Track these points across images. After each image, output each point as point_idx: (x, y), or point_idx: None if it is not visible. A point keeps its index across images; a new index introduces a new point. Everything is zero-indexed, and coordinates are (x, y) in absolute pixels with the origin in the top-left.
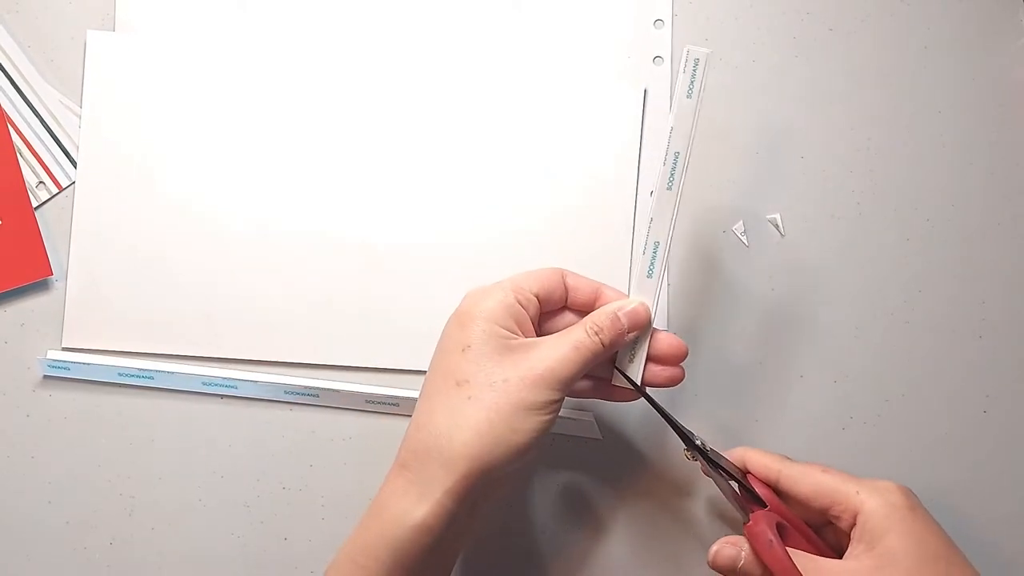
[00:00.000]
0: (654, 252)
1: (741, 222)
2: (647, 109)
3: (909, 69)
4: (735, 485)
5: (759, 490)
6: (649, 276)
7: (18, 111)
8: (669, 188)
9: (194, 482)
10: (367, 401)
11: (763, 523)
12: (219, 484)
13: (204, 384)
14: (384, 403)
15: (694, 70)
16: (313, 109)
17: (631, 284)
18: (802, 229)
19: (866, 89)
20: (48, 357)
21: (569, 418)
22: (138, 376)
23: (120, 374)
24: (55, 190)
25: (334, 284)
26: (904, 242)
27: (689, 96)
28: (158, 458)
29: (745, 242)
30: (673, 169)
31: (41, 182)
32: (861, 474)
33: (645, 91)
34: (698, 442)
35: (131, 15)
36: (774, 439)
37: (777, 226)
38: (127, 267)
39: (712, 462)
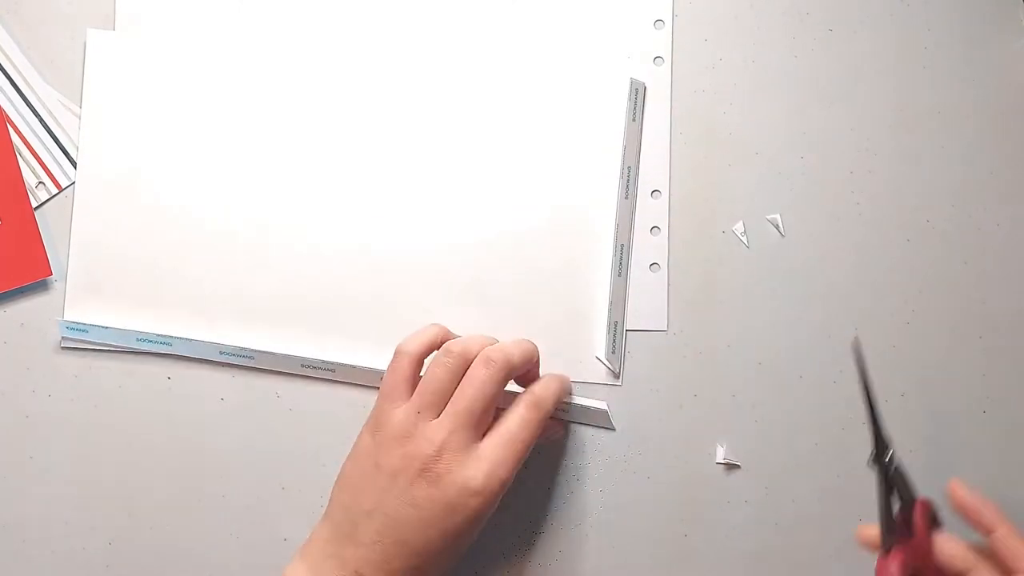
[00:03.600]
0: (620, 254)
1: (741, 222)
2: (647, 108)
3: (909, 69)
4: (897, 506)
5: (919, 522)
6: (619, 275)
7: (18, 111)
8: (626, 198)
9: (194, 482)
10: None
11: (896, 564)
12: (219, 484)
13: (221, 353)
14: None
15: (635, 97)
16: (310, 107)
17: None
18: (802, 229)
19: (866, 89)
20: (66, 319)
21: (583, 406)
22: (156, 342)
23: (139, 339)
24: (55, 190)
25: (334, 283)
26: (904, 242)
27: (633, 120)
28: (158, 458)
29: (745, 242)
30: (627, 181)
31: (41, 182)
32: (861, 473)
33: (645, 88)
34: (891, 453)
35: (131, 14)
36: (774, 439)
37: (777, 226)
38: (126, 267)
39: (891, 475)
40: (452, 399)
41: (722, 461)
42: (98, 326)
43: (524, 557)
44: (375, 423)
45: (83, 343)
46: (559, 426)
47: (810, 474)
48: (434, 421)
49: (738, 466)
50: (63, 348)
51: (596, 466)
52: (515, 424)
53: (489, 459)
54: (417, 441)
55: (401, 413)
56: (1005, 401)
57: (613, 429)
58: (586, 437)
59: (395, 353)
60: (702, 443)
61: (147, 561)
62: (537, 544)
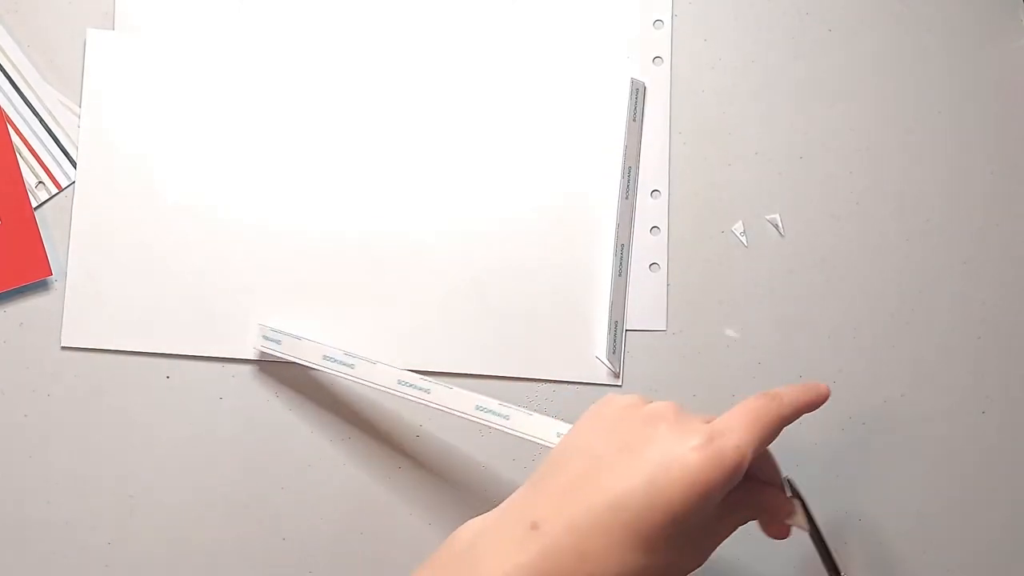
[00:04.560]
0: (620, 254)
1: (741, 222)
2: (647, 108)
3: (909, 69)
4: None
5: None
6: (620, 275)
7: (17, 111)
8: (626, 198)
9: (194, 482)
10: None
11: None
12: (219, 484)
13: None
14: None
15: (636, 97)
16: (311, 106)
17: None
18: (802, 229)
19: (866, 89)
20: (265, 324)
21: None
22: (340, 362)
23: (325, 357)
24: (55, 190)
25: (335, 282)
26: (904, 242)
27: (634, 119)
28: (158, 458)
29: (745, 242)
30: (628, 181)
31: (41, 182)
32: (860, 473)
33: (645, 88)
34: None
35: (131, 14)
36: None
37: (777, 226)
38: (126, 267)
39: None
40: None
41: None
42: (292, 336)
43: None
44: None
45: (277, 353)
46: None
47: (810, 474)
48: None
49: None
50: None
51: None
52: (743, 403)
53: (717, 425)
54: (655, 404)
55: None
56: (1005, 401)
57: None
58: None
59: None
60: None
61: (147, 561)
62: None
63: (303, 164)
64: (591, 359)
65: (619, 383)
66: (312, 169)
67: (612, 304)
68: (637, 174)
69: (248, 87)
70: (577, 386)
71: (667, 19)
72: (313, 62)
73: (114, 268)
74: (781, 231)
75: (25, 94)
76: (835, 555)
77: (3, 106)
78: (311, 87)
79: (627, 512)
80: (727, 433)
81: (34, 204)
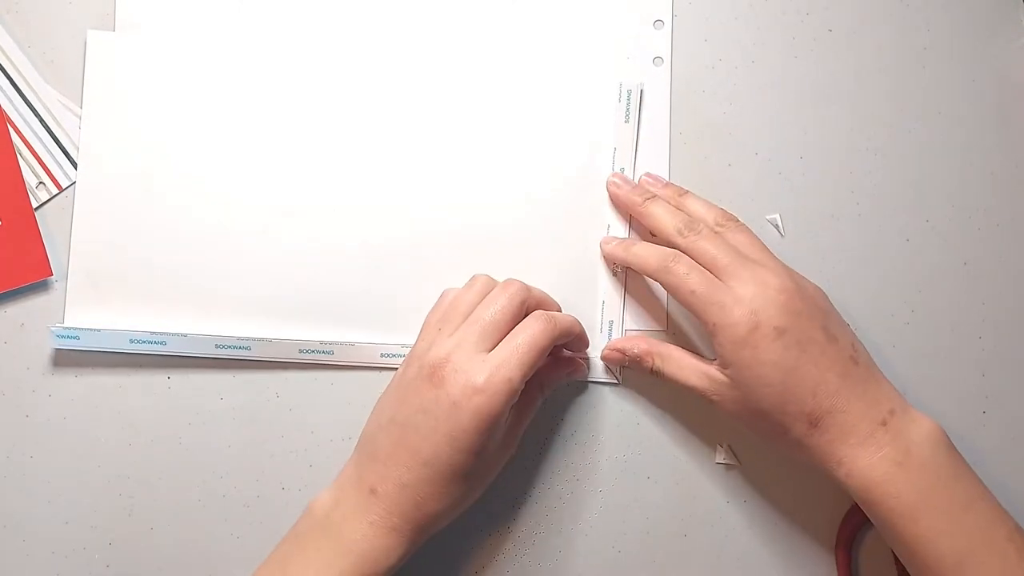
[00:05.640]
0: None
1: None
2: (645, 108)
3: (909, 69)
4: None
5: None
6: (615, 274)
7: (18, 111)
8: None
9: (194, 482)
10: (382, 355)
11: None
12: (219, 484)
13: (217, 346)
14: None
15: (628, 99)
16: (310, 106)
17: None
18: (802, 229)
19: (866, 89)
20: (62, 323)
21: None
22: (150, 342)
23: (132, 340)
24: (55, 190)
25: (334, 282)
26: (904, 242)
27: (626, 121)
28: (158, 458)
29: None
30: None
31: (41, 182)
32: None
33: (641, 90)
34: None
35: (131, 15)
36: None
37: (777, 226)
38: (127, 267)
39: None
40: (470, 316)
41: (722, 461)
42: (90, 330)
43: (524, 557)
44: (408, 355)
45: (76, 348)
46: (580, 366)
47: (809, 474)
48: (451, 334)
49: (738, 466)
50: (57, 350)
51: (595, 466)
52: (523, 331)
53: (493, 360)
54: (432, 351)
55: (427, 336)
56: (1005, 401)
57: (617, 382)
58: (586, 436)
59: (440, 296)
60: (702, 443)
61: (147, 561)
62: (537, 544)
63: (303, 163)
64: (591, 359)
65: (619, 383)
66: (312, 169)
67: (611, 304)
68: (633, 175)
69: (248, 87)
70: (576, 386)
71: (667, 19)
72: (311, 62)
73: (114, 268)
74: (781, 231)
75: (25, 94)
76: None
77: (3, 106)
78: (309, 88)
79: (439, 462)
80: (502, 367)
81: (34, 204)
